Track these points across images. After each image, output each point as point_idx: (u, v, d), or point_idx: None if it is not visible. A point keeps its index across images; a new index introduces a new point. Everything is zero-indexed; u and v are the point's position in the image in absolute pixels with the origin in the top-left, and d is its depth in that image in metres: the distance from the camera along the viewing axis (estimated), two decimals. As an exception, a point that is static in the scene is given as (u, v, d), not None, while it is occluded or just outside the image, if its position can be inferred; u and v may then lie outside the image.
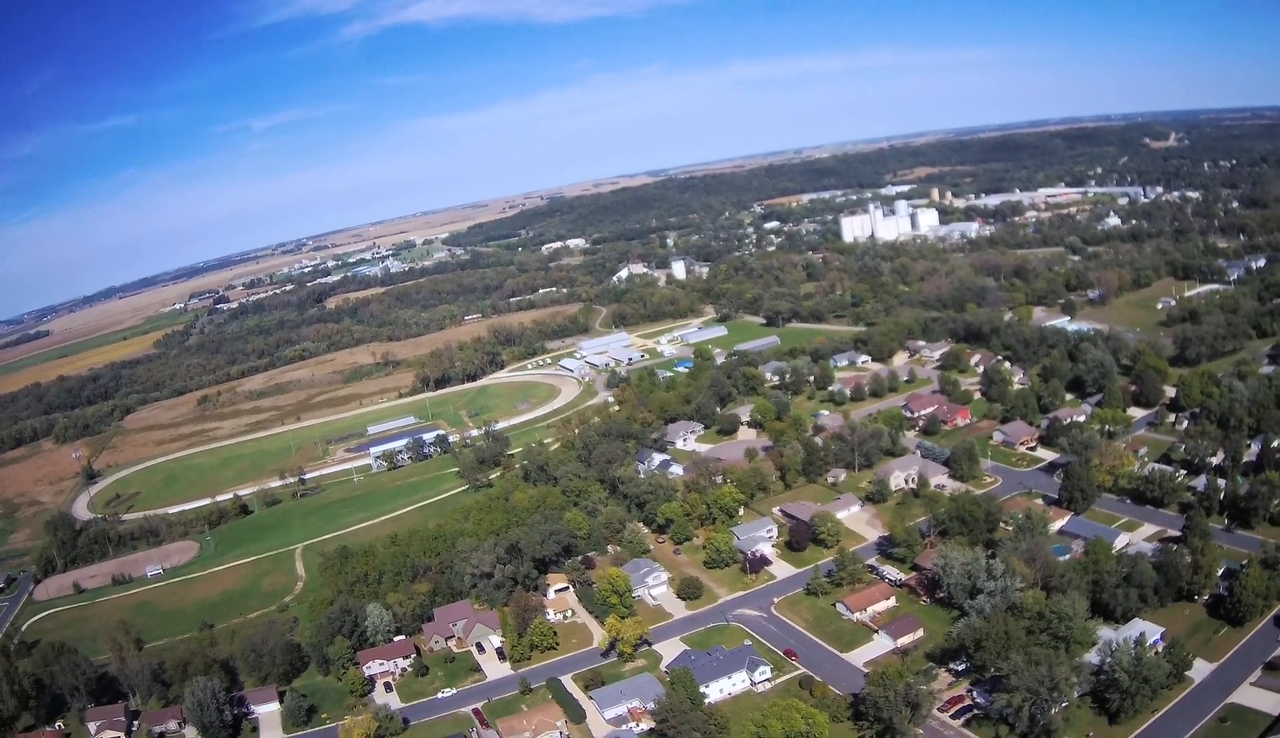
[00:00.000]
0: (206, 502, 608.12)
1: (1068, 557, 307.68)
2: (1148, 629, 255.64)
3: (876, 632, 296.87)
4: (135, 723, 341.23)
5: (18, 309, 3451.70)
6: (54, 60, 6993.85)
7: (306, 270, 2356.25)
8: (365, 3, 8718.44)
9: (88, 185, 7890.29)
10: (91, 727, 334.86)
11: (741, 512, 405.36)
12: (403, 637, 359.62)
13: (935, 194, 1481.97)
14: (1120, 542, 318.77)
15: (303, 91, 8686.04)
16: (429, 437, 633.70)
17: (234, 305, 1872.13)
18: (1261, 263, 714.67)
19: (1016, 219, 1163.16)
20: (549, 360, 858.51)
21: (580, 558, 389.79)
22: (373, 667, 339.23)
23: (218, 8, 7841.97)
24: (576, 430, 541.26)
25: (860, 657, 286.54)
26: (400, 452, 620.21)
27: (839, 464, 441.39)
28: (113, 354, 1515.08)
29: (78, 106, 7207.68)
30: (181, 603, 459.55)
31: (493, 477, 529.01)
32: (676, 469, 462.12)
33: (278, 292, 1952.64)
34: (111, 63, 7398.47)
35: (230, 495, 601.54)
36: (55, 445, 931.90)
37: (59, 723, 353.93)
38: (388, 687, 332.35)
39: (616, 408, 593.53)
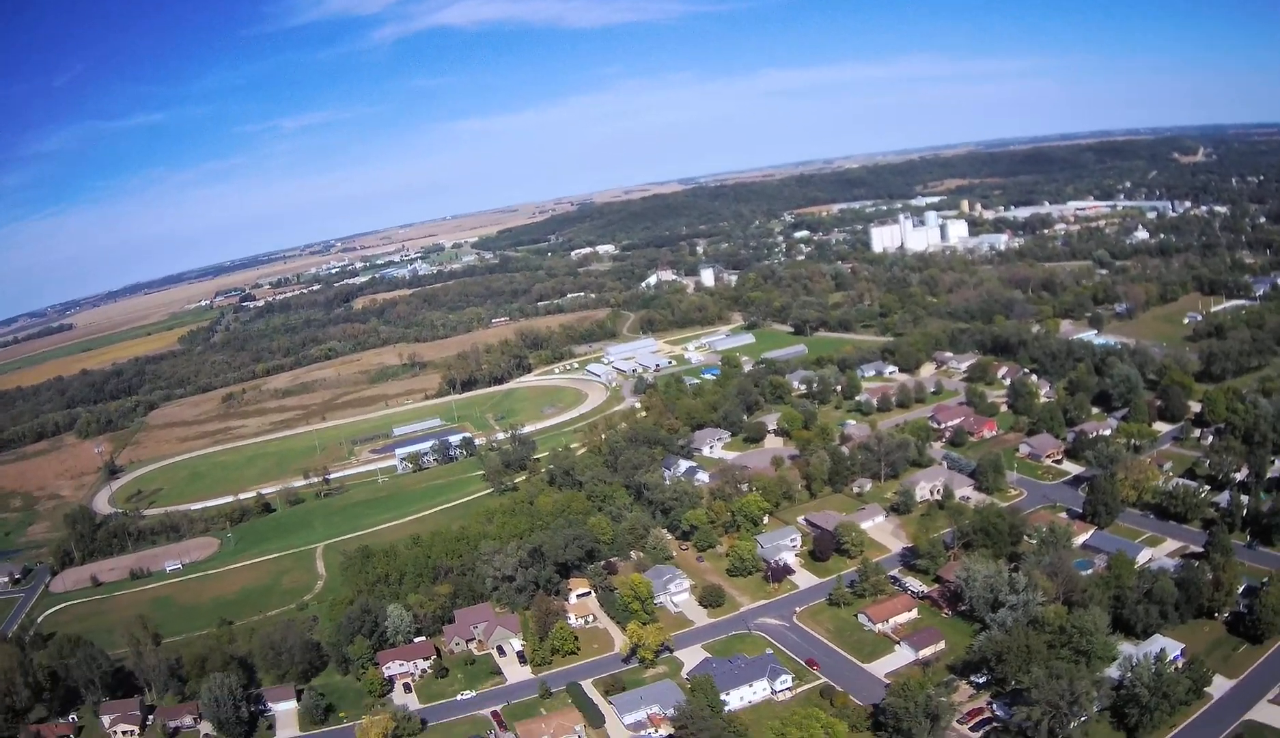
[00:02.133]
0: (229, 499, 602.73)
1: (1090, 571, 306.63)
2: (1168, 645, 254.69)
3: (898, 643, 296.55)
4: (150, 718, 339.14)
5: (40, 302, 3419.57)
6: (78, 56, 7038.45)
7: (334, 271, 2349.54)
8: (397, 5, 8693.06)
9: (113, 182, 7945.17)
10: (106, 720, 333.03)
11: (766, 520, 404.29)
12: (423, 638, 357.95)
13: (965, 205, 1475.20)
14: (1143, 557, 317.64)
15: (333, 92, 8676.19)
16: (455, 439, 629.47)
17: (260, 304, 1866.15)
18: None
19: (1046, 231, 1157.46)
20: (576, 365, 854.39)
21: (603, 563, 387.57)
22: (392, 667, 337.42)
23: (248, 7, 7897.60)
24: (603, 436, 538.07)
25: (882, 668, 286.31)
26: (426, 454, 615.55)
27: (865, 474, 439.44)
28: (137, 349, 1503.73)
29: (102, 103, 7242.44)
30: (200, 599, 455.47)
31: (518, 480, 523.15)
32: (702, 476, 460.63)
33: (305, 291, 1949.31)
34: (138, 60, 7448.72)
35: (253, 493, 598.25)
36: (78, 440, 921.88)
37: (73, 716, 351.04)
38: (407, 688, 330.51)
39: (643, 414, 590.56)
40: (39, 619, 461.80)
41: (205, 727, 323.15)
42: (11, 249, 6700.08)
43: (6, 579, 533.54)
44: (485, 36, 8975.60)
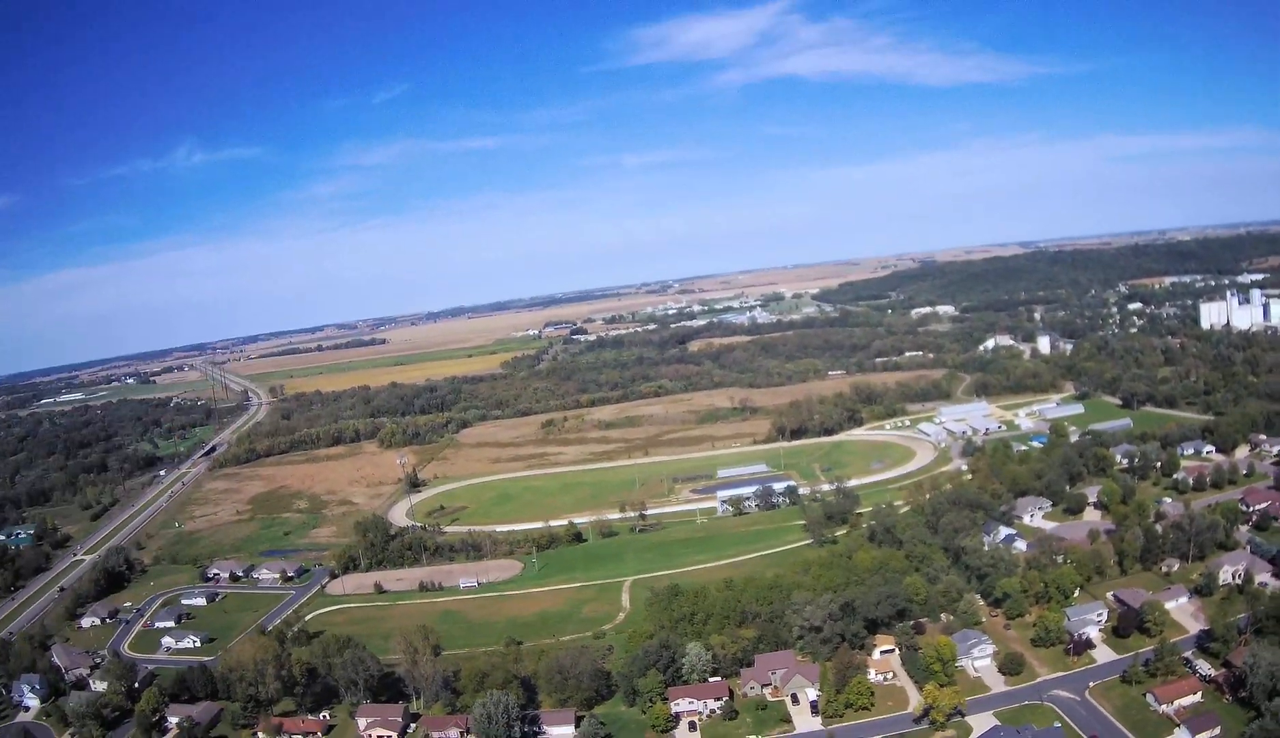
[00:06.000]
0: (539, 525, 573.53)
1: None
2: None
3: (1179, 726, 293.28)
4: (412, 726, 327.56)
5: (352, 316, 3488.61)
6: (400, 76, 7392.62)
7: (671, 312, 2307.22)
8: (743, 52, 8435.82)
9: (438, 202, 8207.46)
10: (362, 723, 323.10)
11: (1077, 593, 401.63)
12: (718, 679, 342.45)
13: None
14: None
15: (676, 133, 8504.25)
16: (779, 486, 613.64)
17: (591, 338, 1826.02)
18: None
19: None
20: (908, 423, 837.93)
21: (912, 623, 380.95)
22: (681, 704, 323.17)
23: (586, 44, 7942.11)
24: (927, 495, 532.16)
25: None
26: (748, 498, 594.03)
27: (1174, 553, 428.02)
28: (453, 369, 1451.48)
29: (426, 123, 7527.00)
30: (492, 617, 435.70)
31: (838, 533, 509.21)
32: (1020, 544, 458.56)
33: (639, 329, 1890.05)
34: (465, 85, 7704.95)
35: (565, 522, 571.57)
36: (379, 449, 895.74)
37: (325, 714, 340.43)
38: (692, 726, 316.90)
39: (969, 476, 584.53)
40: (306, 618, 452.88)
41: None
42: (323, 258, 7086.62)
43: (277, 576, 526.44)
44: (834, 88, 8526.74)
